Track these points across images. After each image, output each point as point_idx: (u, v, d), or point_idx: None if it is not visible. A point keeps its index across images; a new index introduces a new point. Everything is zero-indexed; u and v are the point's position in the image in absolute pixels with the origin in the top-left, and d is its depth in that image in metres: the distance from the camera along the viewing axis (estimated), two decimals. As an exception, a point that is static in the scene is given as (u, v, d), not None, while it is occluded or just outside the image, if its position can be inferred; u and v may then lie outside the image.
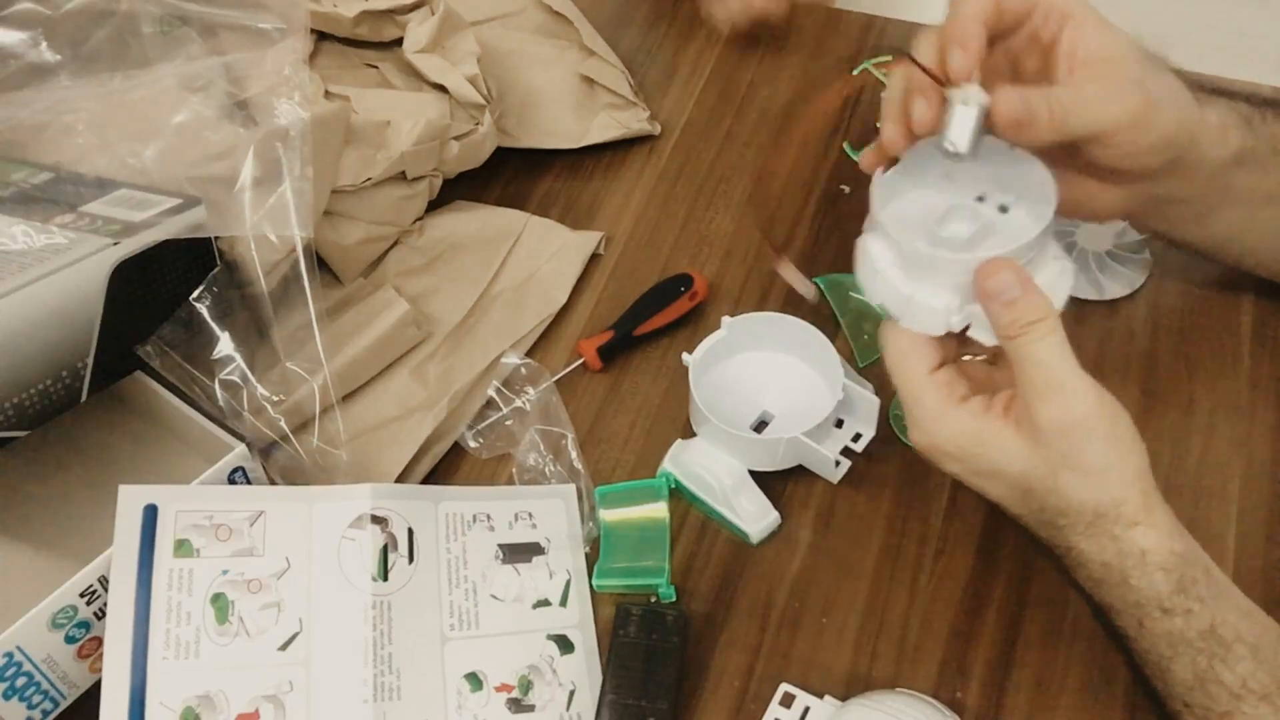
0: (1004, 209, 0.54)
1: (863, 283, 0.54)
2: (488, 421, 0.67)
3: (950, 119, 0.51)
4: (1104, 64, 0.52)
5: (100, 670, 0.51)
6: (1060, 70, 0.53)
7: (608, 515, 0.62)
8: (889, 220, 0.52)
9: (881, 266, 0.52)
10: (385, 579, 0.56)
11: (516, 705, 0.56)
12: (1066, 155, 0.54)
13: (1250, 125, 0.57)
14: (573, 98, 0.82)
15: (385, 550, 0.57)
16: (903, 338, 0.52)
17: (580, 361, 0.70)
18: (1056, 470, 0.48)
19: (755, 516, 0.61)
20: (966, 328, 0.52)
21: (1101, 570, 0.49)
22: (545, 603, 0.59)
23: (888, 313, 0.53)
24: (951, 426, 0.50)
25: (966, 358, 0.55)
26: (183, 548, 0.54)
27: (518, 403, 0.68)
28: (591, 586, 0.60)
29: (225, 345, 0.62)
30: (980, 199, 0.54)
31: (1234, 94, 0.58)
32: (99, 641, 0.53)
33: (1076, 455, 0.48)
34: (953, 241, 0.53)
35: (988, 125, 0.51)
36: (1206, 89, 0.57)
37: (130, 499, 0.54)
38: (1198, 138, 0.55)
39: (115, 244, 0.57)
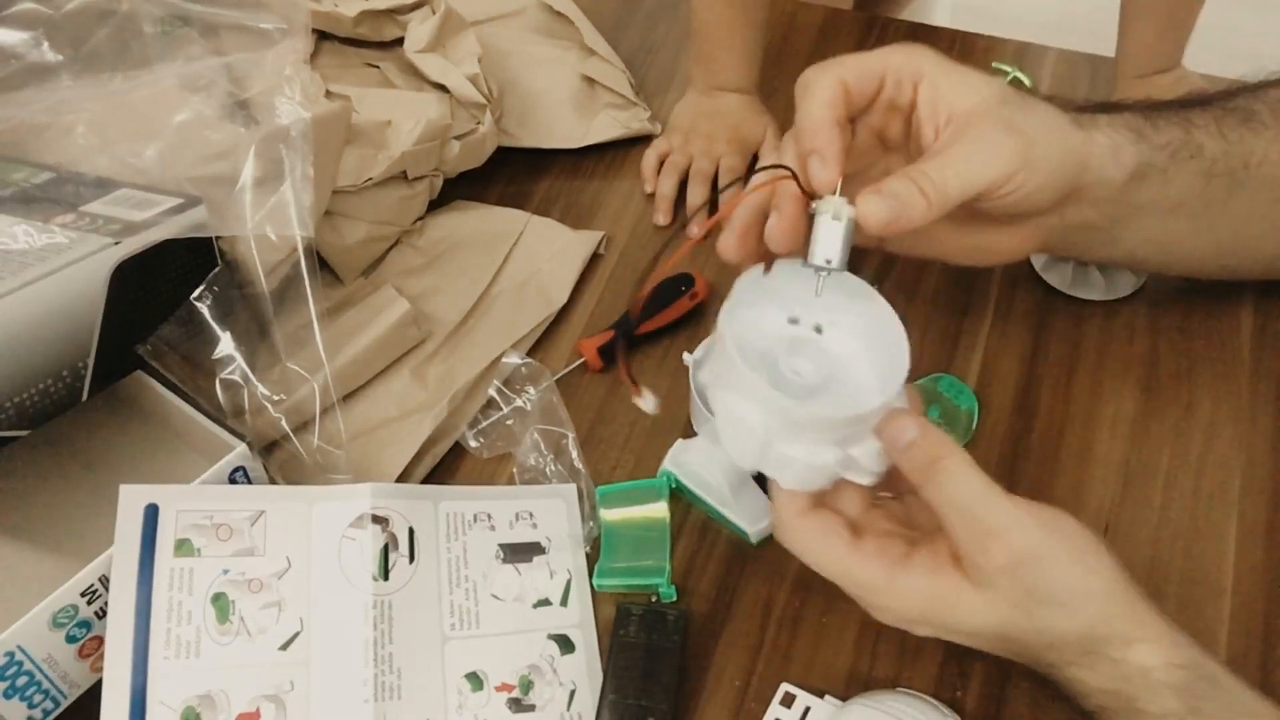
0: (819, 329, 0.52)
1: (732, 447, 0.49)
2: (488, 421, 0.67)
3: (818, 234, 0.47)
4: (968, 116, 0.49)
5: (101, 670, 0.51)
6: (925, 133, 0.50)
7: (608, 515, 0.62)
8: (756, 383, 0.46)
9: (751, 426, 0.47)
10: (386, 579, 0.56)
11: (517, 705, 0.56)
12: (955, 211, 0.50)
13: (1143, 137, 0.55)
14: (573, 98, 0.82)
15: (386, 550, 0.57)
16: (806, 522, 0.49)
17: (580, 361, 0.70)
18: (1030, 611, 0.45)
19: (755, 516, 0.61)
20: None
21: (1107, 698, 0.46)
22: (546, 602, 0.60)
23: (769, 471, 0.49)
24: (906, 595, 0.47)
25: (882, 495, 0.52)
26: (183, 547, 0.54)
27: (518, 402, 0.68)
28: (592, 586, 0.60)
29: (226, 345, 0.62)
30: (817, 328, 0.52)
31: (1119, 108, 0.56)
32: (100, 641, 0.53)
33: (1044, 588, 0.45)
34: (800, 385, 0.50)
35: (857, 235, 0.48)
36: (1089, 109, 0.55)
37: (131, 499, 0.54)
38: (1087, 163, 0.53)
39: (116, 244, 0.57)
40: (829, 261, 0.47)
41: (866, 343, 0.51)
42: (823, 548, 0.48)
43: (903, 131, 0.53)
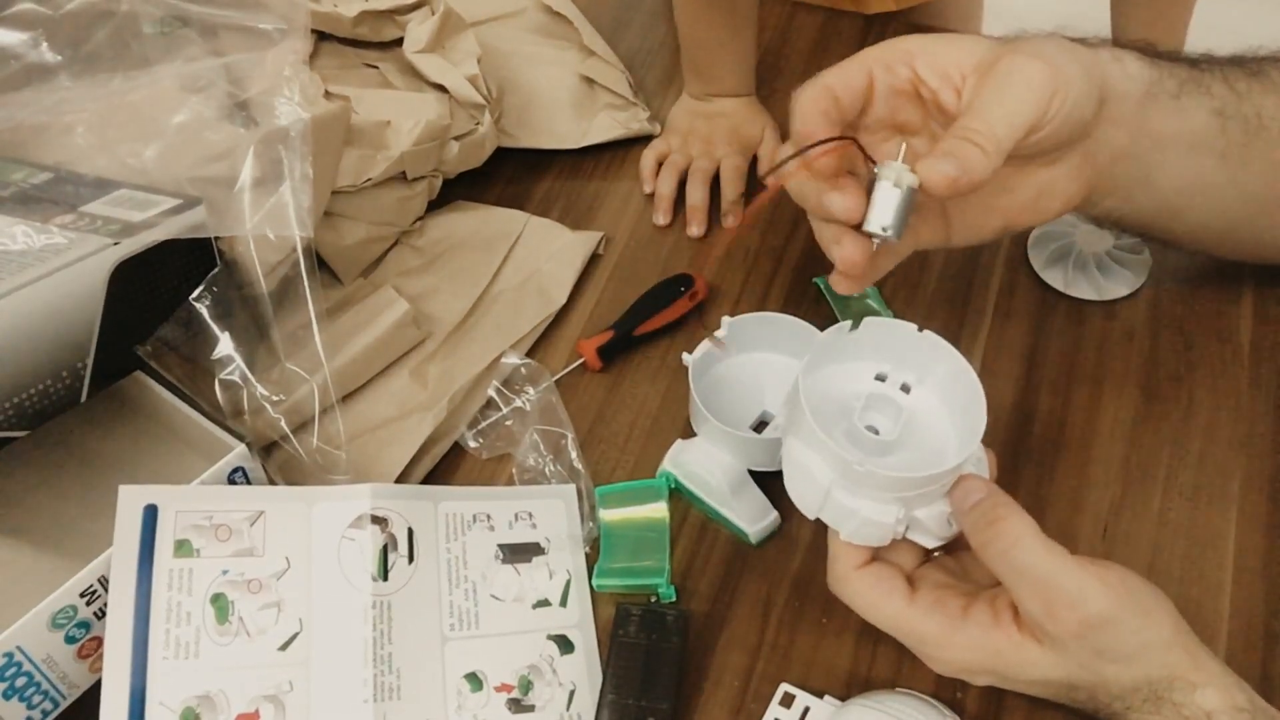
0: (906, 388, 0.53)
1: (795, 493, 0.51)
2: (488, 421, 0.67)
3: (876, 199, 0.47)
4: (982, 64, 0.50)
5: (100, 670, 0.51)
6: (946, 99, 0.50)
7: (608, 515, 0.62)
8: (821, 430, 0.48)
9: (815, 476, 0.49)
10: (385, 579, 0.56)
11: (516, 705, 0.56)
12: (1008, 165, 0.50)
13: (1151, 63, 0.55)
14: (573, 98, 0.82)
15: (385, 550, 0.57)
16: (863, 577, 0.50)
17: (580, 361, 0.70)
18: (1098, 669, 0.46)
19: (755, 516, 0.61)
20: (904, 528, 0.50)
21: None
22: (545, 603, 0.59)
23: (829, 521, 0.50)
24: (966, 649, 0.47)
25: (935, 554, 0.53)
26: (183, 548, 0.54)
27: (518, 403, 0.68)
28: (591, 586, 0.60)
29: (225, 345, 0.62)
30: (904, 387, 0.53)
31: (1119, 44, 0.56)
32: (99, 641, 0.53)
33: (1112, 649, 0.45)
34: (875, 441, 0.51)
35: (930, 220, 0.48)
36: (1089, 41, 0.55)
37: (130, 499, 0.54)
38: (1105, 79, 0.53)
39: (115, 244, 0.57)
40: (885, 229, 0.47)
41: (947, 403, 0.52)
42: (879, 602, 0.49)
43: (919, 113, 0.53)
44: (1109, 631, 0.45)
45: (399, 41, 0.78)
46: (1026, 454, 0.64)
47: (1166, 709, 0.45)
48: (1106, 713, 0.48)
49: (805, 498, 0.50)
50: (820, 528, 0.62)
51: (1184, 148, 0.57)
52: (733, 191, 0.77)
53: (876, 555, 0.51)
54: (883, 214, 0.47)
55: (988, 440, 0.65)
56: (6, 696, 0.50)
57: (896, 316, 0.70)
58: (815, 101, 0.49)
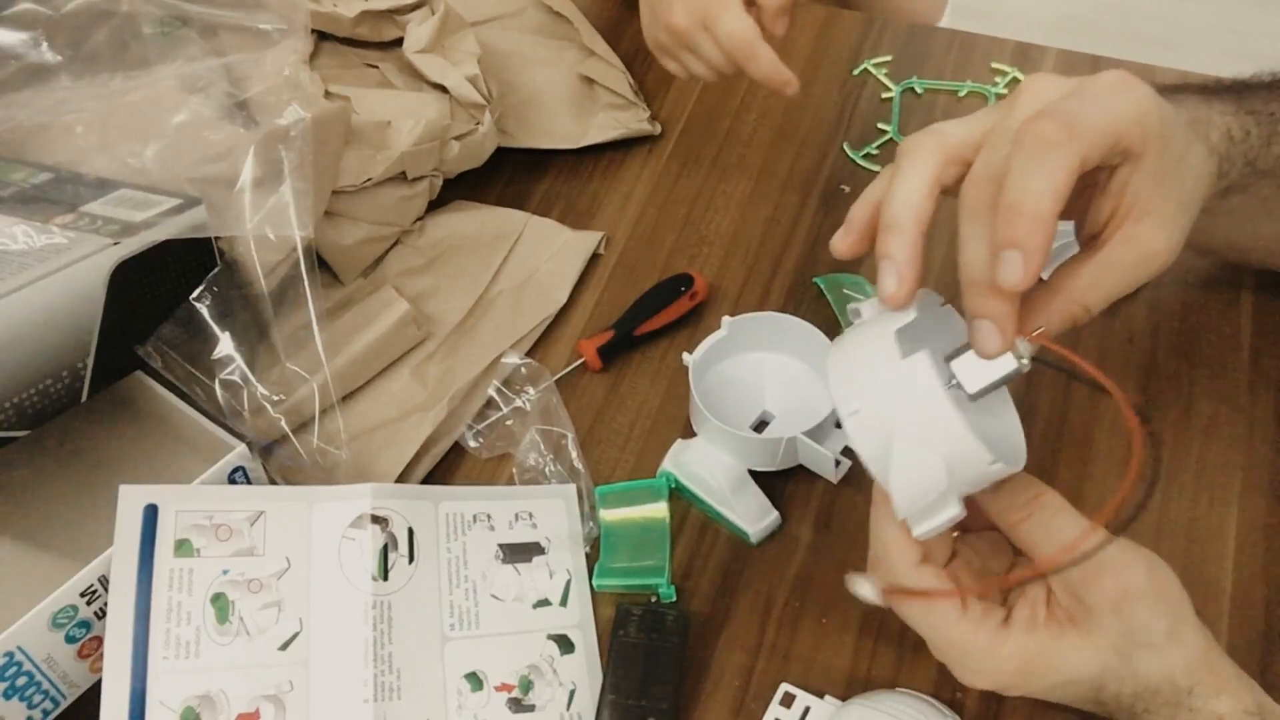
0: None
1: (902, 492, 0.45)
2: (488, 421, 0.67)
3: (977, 360, 0.44)
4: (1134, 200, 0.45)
5: (100, 670, 0.51)
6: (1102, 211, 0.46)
7: (608, 515, 0.62)
8: (966, 438, 0.43)
9: (937, 481, 0.44)
10: (385, 579, 0.56)
11: (517, 705, 0.56)
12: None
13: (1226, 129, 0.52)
14: (573, 98, 0.82)
15: (385, 550, 0.57)
16: (923, 578, 0.47)
17: (580, 361, 0.70)
18: (1129, 654, 0.45)
19: (755, 516, 0.61)
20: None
21: None
22: (545, 603, 0.60)
23: (913, 522, 0.46)
24: (1011, 659, 0.46)
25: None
26: (183, 547, 0.54)
27: (518, 403, 0.68)
28: (591, 586, 0.60)
29: (225, 345, 0.62)
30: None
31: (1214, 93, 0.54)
32: (99, 641, 0.53)
33: (1144, 630, 0.45)
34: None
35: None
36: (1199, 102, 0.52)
37: (130, 499, 0.54)
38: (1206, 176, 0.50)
39: (115, 244, 0.58)
40: (967, 390, 0.44)
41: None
42: (936, 615, 0.48)
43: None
44: (1145, 606, 0.45)
45: (399, 41, 0.78)
46: (1027, 453, 0.64)
47: (1183, 715, 0.45)
48: (1125, 715, 0.47)
49: (921, 497, 0.45)
50: (819, 526, 0.63)
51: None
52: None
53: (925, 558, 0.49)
54: (975, 380, 0.45)
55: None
56: (7, 696, 0.50)
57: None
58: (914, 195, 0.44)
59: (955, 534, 0.51)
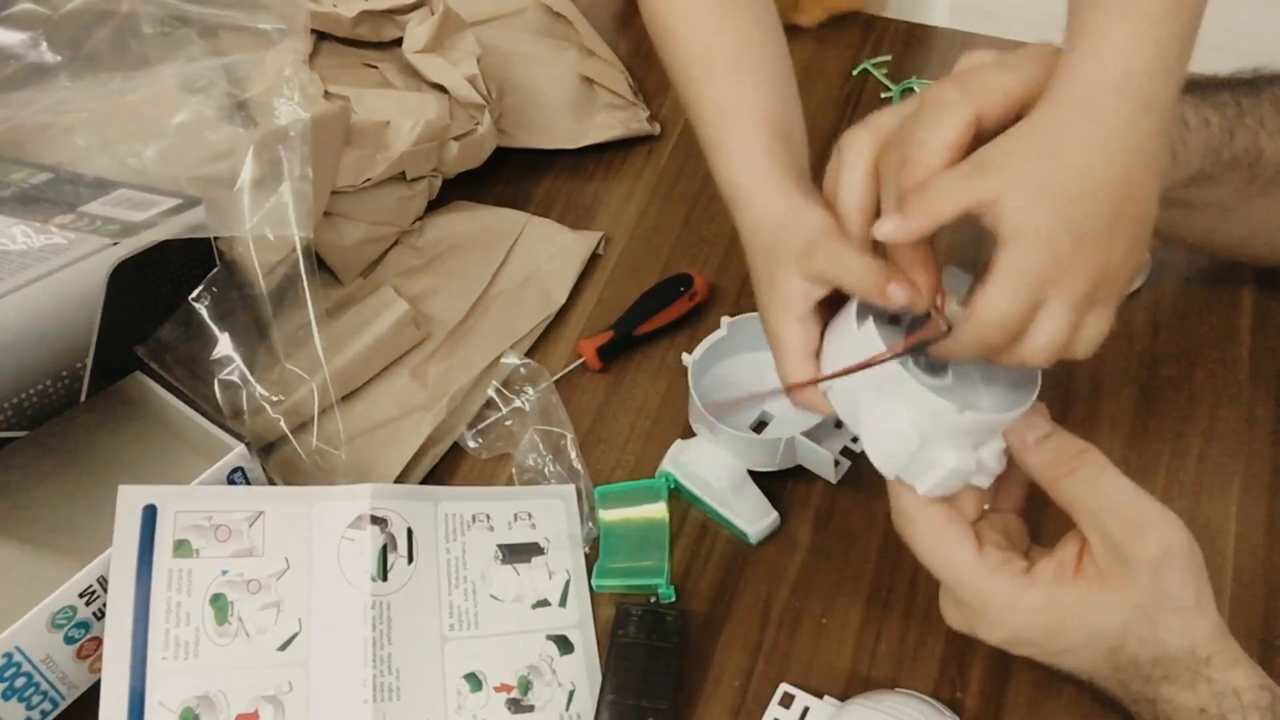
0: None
1: (875, 451, 0.47)
2: (487, 422, 0.67)
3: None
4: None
5: (100, 670, 0.51)
6: None
7: (607, 515, 0.62)
8: (920, 391, 0.45)
9: (906, 434, 0.46)
10: (385, 579, 0.56)
11: (516, 705, 0.56)
12: None
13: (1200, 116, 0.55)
14: (572, 98, 0.82)
15: (385, 550, 0.57)
16: (936, 516, 0.47)
17: (580, 361, 0.70)
18: (1156, 617, 0.44)
19: (755, 516, 0.61)
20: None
21: (1198, 717, 0.45)
22: (545, 603, 0.59)
23: (907, 477, 0.47)
24: (1033, 611, 0.45)
25: (987, 509, 0.50)
26: (182, 548, 0.54)
27: (517, 403, 0.68)
28: (591, 586, 0.60)
29: (224, 346, 0.62)
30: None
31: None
32: (98, 642, 0.53)
33: (1175, 593, 0.44)
34: (937, 384, 0.47)
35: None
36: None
37: (130, 499, 0.54)
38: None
39: (115, 244, 0.57)
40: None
41: None
42: (950, 545, 0.46)
43: None
44: (1180, 570, 0.44)
45: (399, 41, 0.78)
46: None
47: (1202, 684, 0.45)
48: (1138, 684, 0.46)
49: (892, 457, 0.47)
50: (818, 526, 0.63)
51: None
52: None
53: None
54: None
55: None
56: (6, 697, 0.50)
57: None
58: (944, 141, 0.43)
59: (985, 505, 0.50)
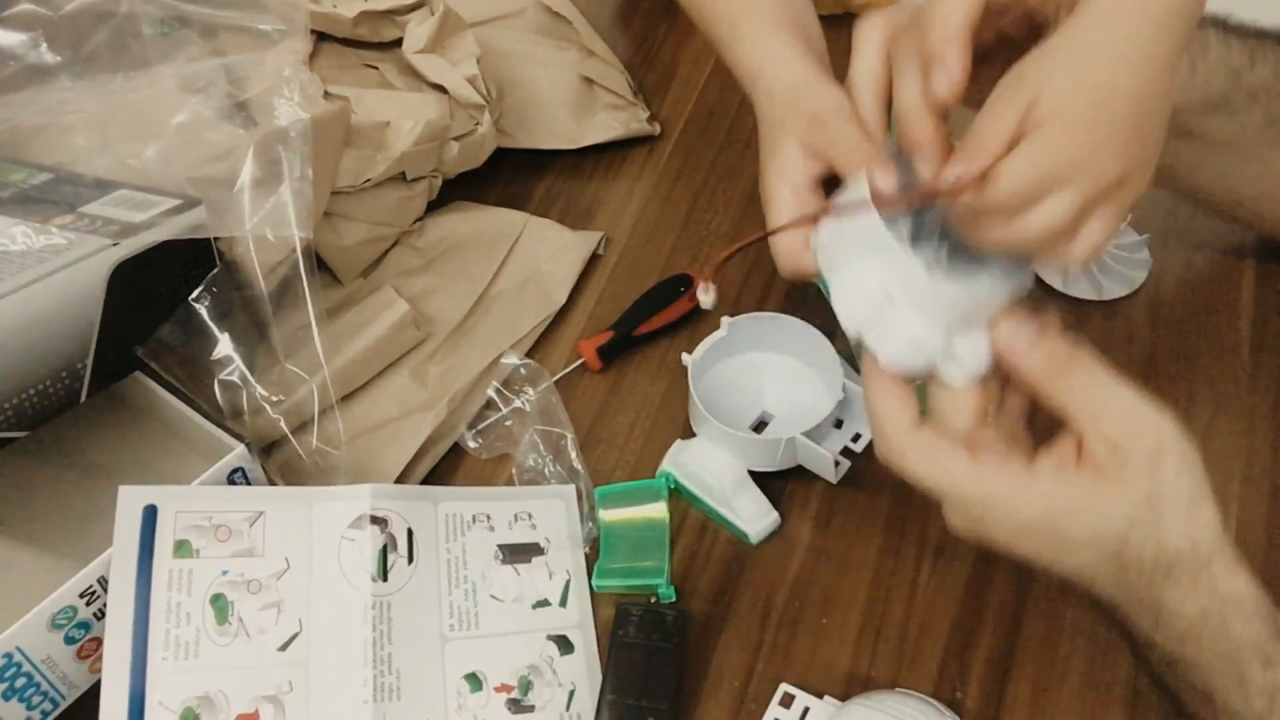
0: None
1: (841, 305, 0.47)
2: (487, 422, 0.67)
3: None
4: None
5: (100, 671, 0.51)
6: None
7: (607, 515, 0.62)
8: (894, 243, 0.44)
9: (871, 288, 0.45)
10: (385, 579, 0.56)
11: (516, 705, 0.56)
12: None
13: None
14: (572, 98, 0.82)
15: (385, 551, 0.57)
16: (921, 437, 0.46)
17: (580, 362, 0.70)
18: (1160, 511, 0.43)
19: (755, 516, 0.61)
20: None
21: (1200, 622, 0.44)
22: (545, 603, 0.59)
23: (870, 342, 0.46)
24: (1037, 506, 0.44)
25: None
26: (182, 548, 0.54)
27: (517, 403, 0.68)
28: (591, 587, 0.60)
29: (224, 346, 0.62)
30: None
31: None
32: (99, 642, 0.53)
33: (1173, 486, 0.43)
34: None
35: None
36: None
37: (130, 499, 0.54)
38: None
39: (115, 245, 0.57)
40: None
41: None
42: (943, 463, 0.45)
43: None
44: (1176, 462, 0.43)
45: (399, 42, 0.78)
46: (1026, 454, 0.64)
47: (1203, 588, 0.44)
48: (1141, 589, 0.45)
49: (855, 312, 0.46)
50: (818, 526, 0.63)
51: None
52: None
53: (927, 423, 0.47)
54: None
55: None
56: (6, 697, 0.50)
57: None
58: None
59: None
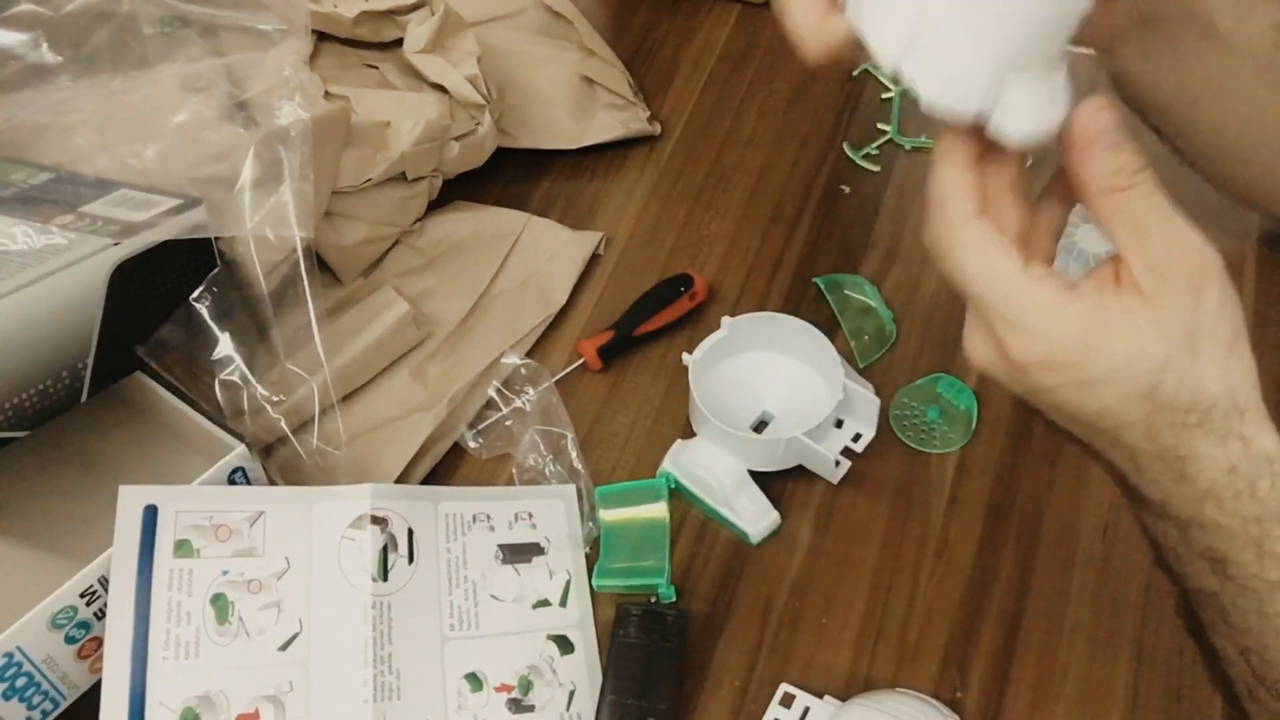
0: None
1: (872, 29, 0.39)
2: (488, 422, 0.67)
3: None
4: None
5: (100, 670, 0.51)
6: None
7: (608, 515, 0.62)
8: None
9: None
10: (385, 579, 0.56)
11: (516, 705, 0.56)
12: None
13: None
14: (573, 98, 0.82)
15: (385, 550, 0.57)
16: (984, 228, 0.42)
17: (580, 362, 0.70)
18: (1197, 346, 0.40)
19: (755, 516, 0.61)
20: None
21: (1225, 479, 0.41)
22: (545, 603, 0.60)
23: (910, 70, 0.39)
24: (1076, 322, 0.40)
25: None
26: (183, 548, 0.54)
27: (518, 403, 0.68)
28: (591, 587, 0.60)
29: (225, 346, 0.62)
30: None
31: None
32: (99, 642, 0.53)
33: (1214, 320, 0.40)
34: None
35: None
36: None
37: (130, 499, 0.54)
38: None
39: (115, 244, 0.58)
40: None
41: None
42: (994, 261, 0.41)
43: None
44: (1217, 296, 0.40)
45: (399, 42, 0.78)
46: (1027, 452, 0.64)
47: (1234, 441, 0.41)
48: (1169, 433, 0.42)
49: (887, 31, 0.39)
50: (819, 526, 0.63)
51: (1234, 49, 0.52)
52: None
53: (983, 210, 0.43)
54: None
55: (988, 439, 0.65)
56: (6, 697, 0.50)
57: (896, 320, 0.71)
58: None
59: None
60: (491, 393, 0.68)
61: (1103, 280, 0.42)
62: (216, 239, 0.63)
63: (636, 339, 0.70)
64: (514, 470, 0.65)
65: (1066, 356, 0.41)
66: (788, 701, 0.56)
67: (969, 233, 0.42)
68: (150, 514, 0.54)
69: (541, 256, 0.75)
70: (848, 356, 0.69)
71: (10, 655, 0.50)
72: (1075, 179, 0.42)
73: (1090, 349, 0.41)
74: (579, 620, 0.59)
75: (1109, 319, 0.41)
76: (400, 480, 0.63)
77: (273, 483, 0.61)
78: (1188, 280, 0.40)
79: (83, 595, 0.52)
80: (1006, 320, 0.42)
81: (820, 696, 0.55)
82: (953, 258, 0.42)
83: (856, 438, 0.65)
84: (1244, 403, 0.41)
